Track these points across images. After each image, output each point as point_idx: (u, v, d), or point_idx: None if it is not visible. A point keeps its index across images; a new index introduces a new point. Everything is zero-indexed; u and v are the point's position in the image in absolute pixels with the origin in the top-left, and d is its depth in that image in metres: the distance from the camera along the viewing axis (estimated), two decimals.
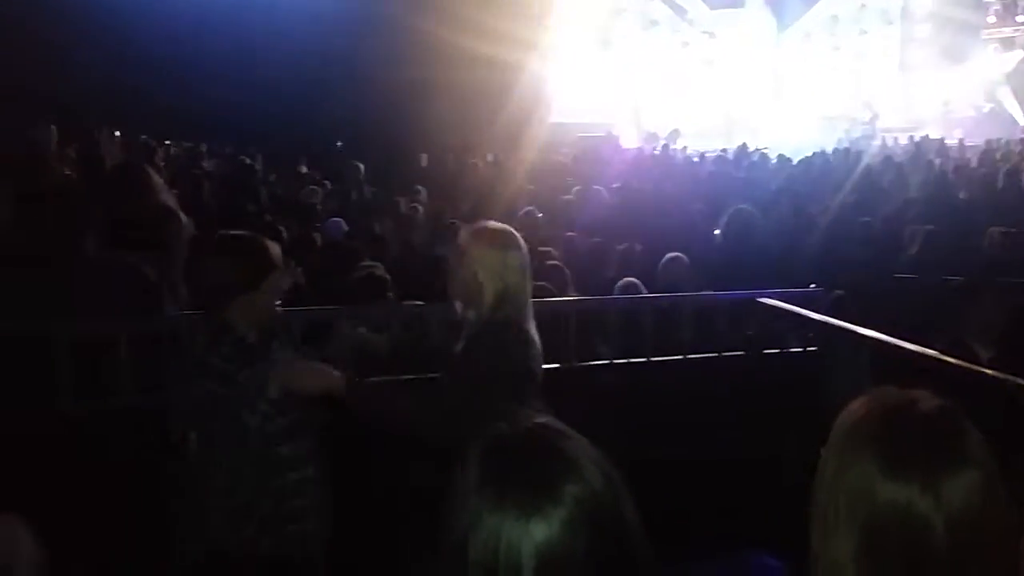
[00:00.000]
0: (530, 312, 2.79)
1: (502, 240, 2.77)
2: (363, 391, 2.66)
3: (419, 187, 10.00)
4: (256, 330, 2.76)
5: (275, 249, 2.79)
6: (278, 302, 2.80)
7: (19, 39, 15.43)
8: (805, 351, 4.49)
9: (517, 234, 2.83)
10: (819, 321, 4.30)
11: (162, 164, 11.56)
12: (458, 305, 2.83)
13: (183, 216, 4.24)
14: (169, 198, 4.29)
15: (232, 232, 2.85)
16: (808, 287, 4.99)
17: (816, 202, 9.31)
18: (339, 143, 14.30)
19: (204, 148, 12.94)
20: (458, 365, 2.75)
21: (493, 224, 2.85)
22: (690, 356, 4.51)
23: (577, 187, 10.10)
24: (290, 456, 2.74)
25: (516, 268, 2.75)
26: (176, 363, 2.81)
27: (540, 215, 8.29)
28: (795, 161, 13.68)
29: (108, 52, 15.58)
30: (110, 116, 13.45)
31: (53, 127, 12.83)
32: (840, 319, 4.22)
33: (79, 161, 10.85)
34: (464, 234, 2.85)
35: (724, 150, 15.85)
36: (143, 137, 12.52)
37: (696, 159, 14.61)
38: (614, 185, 10.57)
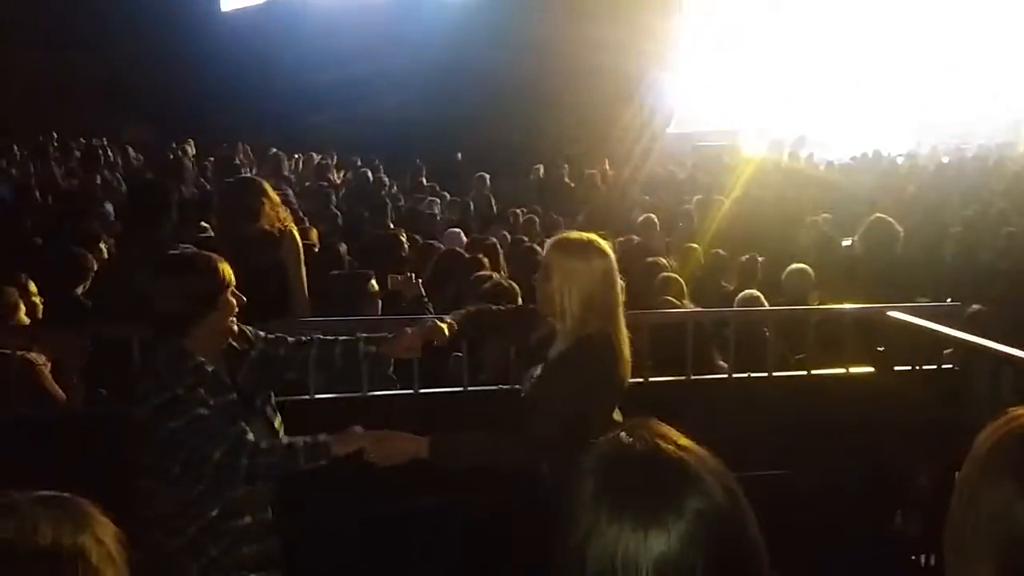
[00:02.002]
0: (621, 321, 2.73)
1: (583, 249, 2.71)
2: (447, 447, 2.55)
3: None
4: (213, 355, 2.58)
5: (224, 266, 2.58)
6: (232, 320, 2.61)
7: (160, 62, 16.41)
8: (940, 369, 4.27)
9: (602, 242, 2.76)
10: (955, 338, 4.08)
11: (292, 176, 12.06)
12: (547, 319, 2.77)
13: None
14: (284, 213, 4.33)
15: (177, 253, 2.72)
16: (944, 301, 4.75)
17: (952, 211, 8.89)
18: (459, 155, 14.55)
19: (332, 161, 13.40)
20: (546, 381, 2.68)
21: (575, 234, 2.80)
22: (814, 372, 4.37)
23: (697, 197, 9.96)
24: (245, 498, 2.53)
25: (600, 277, 2.68)
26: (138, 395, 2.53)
27: (658, 224, 8.23)
28: (931, 168, 13.10)
29: (241, 72, 16.39)
30: (242, 131, 14.14)
31: (191, 140, 13.61)
32: (979, 336, 4.00)
33: (215, 172, 11.44)
34: (547, 245, 2.81)
35: (853, 157, 15.32)
36: (273, 150, 13.07)
37: (823, 166, 14.17)
38: (735, 194, 10.38)
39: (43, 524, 0.95)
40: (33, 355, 3.92)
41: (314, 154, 13.60)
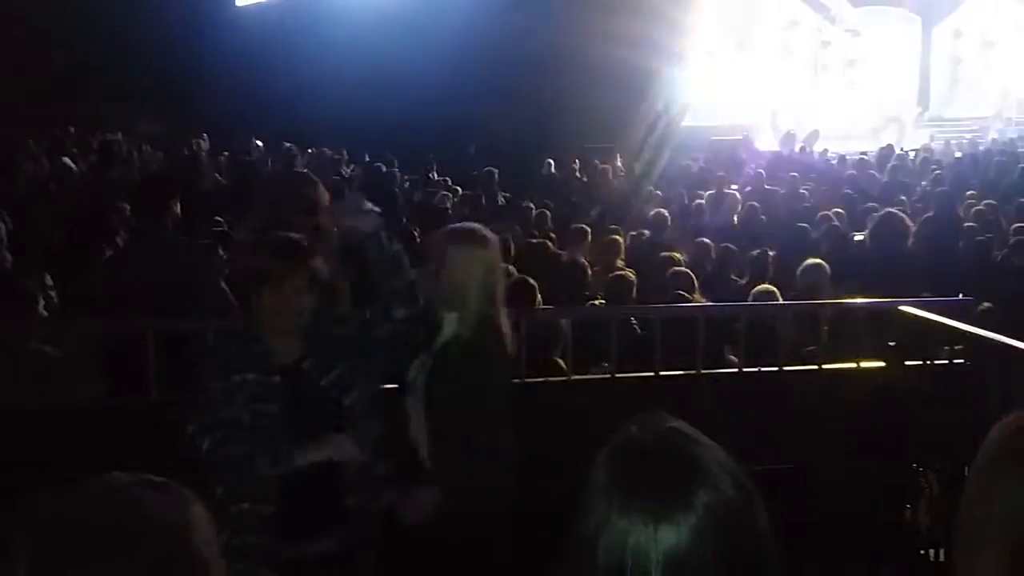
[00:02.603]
0: (503, 307, 2.83)
1: (469, 239, 2.80)
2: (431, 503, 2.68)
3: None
4: (284, 342, 2.60)
5: (314, 259, 2.62)
6: (302, 313, 2.58)
7: (175, 56, 16.48)
8: (951, 364, 4.26)
9: (486, 232, 2.84)
10: (968, 333, 4.07)
11: (304, 170, 12.08)
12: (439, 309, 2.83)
13: None
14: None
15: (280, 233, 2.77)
16: (956, 296, 4.73)
17: (966, 206, 8.83)
18: (472, 149, 14.55)
19: (344, 155, 13.42)
20: (469, 374, 2.73)
21: (464, 225, 2.91)
22: (826, 366, 4.36)
23: (710, 191, 9.94)
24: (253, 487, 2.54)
25: (490, 265, 2.80)
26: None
27: (669, 219, 8.21)
28: (943, 163, 13.01)
29: (254, 66, 16.43)
30: (256, 125, 14.18)
31: (205, 135, 13.67)
32: (992, 331, 3.99)
33: (229, 167, 11.48)
34: (436, 237, 2.89)
35: (865, 152, 15.24)
36: (287, 145, 13.10)
37: (835, 161, 14.10)
38: (747, 189, 10.35)
39: (151, 501, 1.00)
40: (49, 348, 3.95)
41: (327, 149, 13.62)
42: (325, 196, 3.85)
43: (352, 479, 2.59)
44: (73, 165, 10.92)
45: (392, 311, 2.65)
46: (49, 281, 4.58)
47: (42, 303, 4.14)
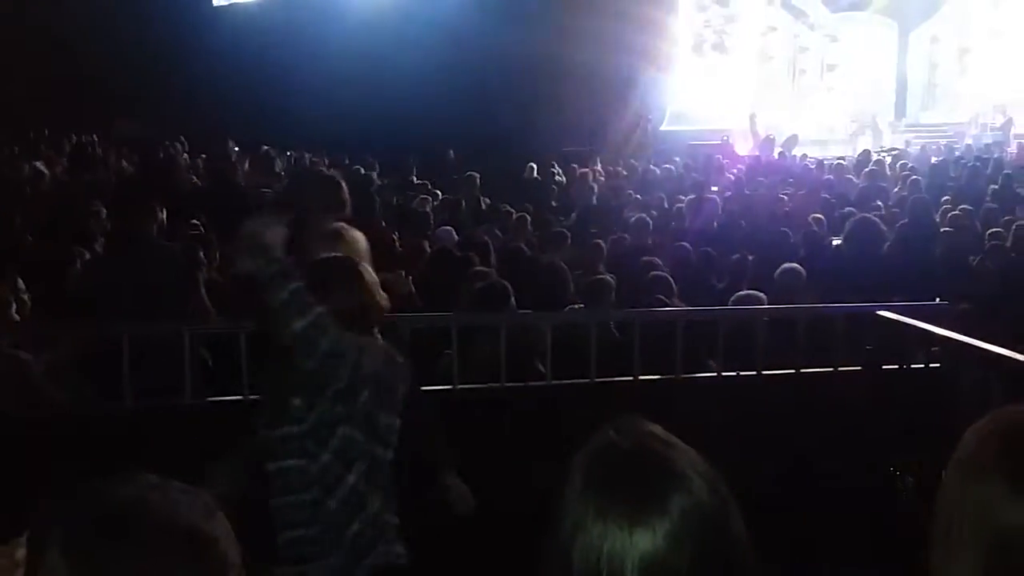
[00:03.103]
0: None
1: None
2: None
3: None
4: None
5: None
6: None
7: (151, 57, 16.36)
8: (928, 368, 4.29)
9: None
10: (944, 337, 4.10)
11: (282, 173, 12.02)
12: None
13: None
14: None
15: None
16: (932, 300, 4.77)
17: (942, 211, 8.92)
18: (451, 153, 14.54)
19: (325, 159, 13.37)
20: None
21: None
22: (804, 370, 4.38)
23: (690, 195, 9.98)
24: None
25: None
26: None
27: (650, 223, 8.23)
28: (919, 168, 13.13)
29: (232, 67, 16.35)
30: (233, 128, 14.10)
31: (183, 137, 13.57)
32: (967, 335, 4.02)
33: (207, 170, 11.40)
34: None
35: (843, 157, 15.35)
36: (264, 148, 13.03)
37: (813, 166, 14.20)
38: (727, 193, 10.41)
39: (184, 506, 1.02)
40: (23, 353, 3.90)
41: (305, 152, 13.57)
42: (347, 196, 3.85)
43: None
44: (45, 169, 10.81)
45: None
46: (22, 285, 4.51)
47: (14, 307, 4.08)
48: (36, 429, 3.58)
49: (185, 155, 12.66)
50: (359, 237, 2.94)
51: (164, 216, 4.39)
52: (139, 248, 4.31)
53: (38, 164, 10.77)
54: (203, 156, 12.60)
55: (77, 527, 0.98)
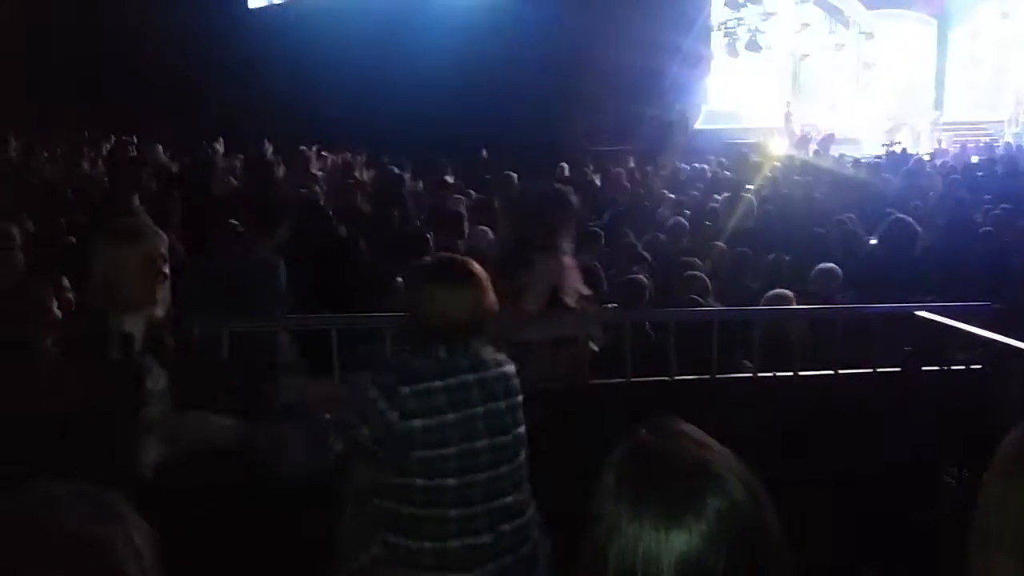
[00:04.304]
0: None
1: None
2: None
3: None
4: None
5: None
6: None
7: (188, 58, 16.56)
8: (968, 369, 4.23)
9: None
10: (984, 338, 4.04)
11: (319, 172, 12.13)
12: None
13: None
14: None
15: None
16: (973, 301, 4.70)
17: (981, 210, 8.77)
18: (484, 152, 14.56)
19: (360, 158, 13.45)
20: None
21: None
22: (841, 371, 4.34)
23: (725, 194, 9.90)
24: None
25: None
26: None
27: (687, 225, 8.19)
28: (957, 167, 12.93)
29: (268, 69, 16.50)
30: (268, 128, 14.23)
31: (221, 138, 13.73)
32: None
33: (244, 170, 11.52)
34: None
35: (879, 156, 15.15)
36: (301, 147, 13.14)
37: (850, 165, 14.04)
38: (763, 192, 10.31)
39: (74, 513, 0.98)
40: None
41: (341, 152, 13.66)
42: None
43: None
44: (88, 168, 11.01)
45: None
46: (67, 283, 4.60)
47: (56, 306, 4.16)
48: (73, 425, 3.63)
49: (221, 155, 12.81)
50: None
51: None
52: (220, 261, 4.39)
53: (83, 164, 10.97)
54: (240, 157, 12.74)
55: None
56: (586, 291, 4.01)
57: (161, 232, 2.80)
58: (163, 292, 2.75)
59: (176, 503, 2.30)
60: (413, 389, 2.38)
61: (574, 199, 4.14)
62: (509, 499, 2.49)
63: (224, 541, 2.54)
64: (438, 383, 2.41)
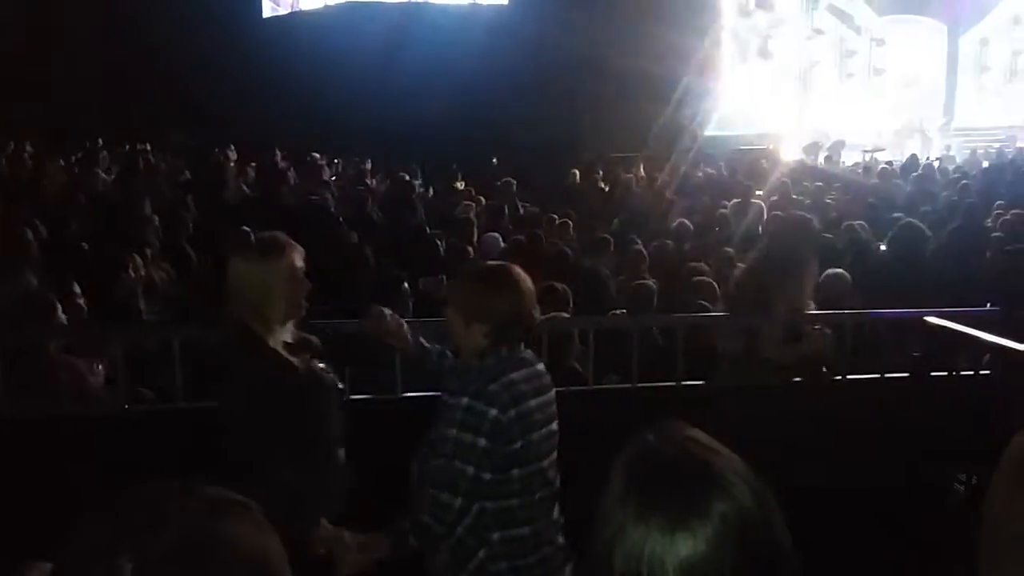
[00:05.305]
0: None
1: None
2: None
3: None
4: None
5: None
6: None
7: (202, 67, 16.65)
8: (977, 375, 4.21)
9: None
10: (993, 344, 4.03)
11: (333, 180, 12.18)
12: None
13: None
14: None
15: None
16: (983, 306, 4.69)
17: (992, 215, 8.74)
18: (494, 159, 14.59)
19: (369, 166, 13.50)
20: None
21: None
22: (850, 377, 4.33)
23: (735, 200, 9.90)
24: None
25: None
26: None
27: (692, 228, 8.19)
28: (969, 173, 12.88)
29: (280, 77, 16.58)
30: (281, 136, 14.31)
31: (233, 146, 13.81)
32: (1018, 342, 3.95)
33: (258, 177, 11.59)
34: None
35: (890, 162, 15.12)
36: (313, 154, 13.20)
37: (860, 171, 14.00)
38: (772, 198, 10.31)
39: (240, 527, 0.95)
40: (77, 359, 4.00)
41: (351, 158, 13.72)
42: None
43: None
44: (103, 175, 11.08)
45: None
46: (77, 289, 4.64)
47: (60, 310, 4.18)
48: (86, 429, 3.67)
49: (234, 163, 12.88)
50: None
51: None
52: None
53: (99, 171, 11.04)
54: (252, 164, 12.81)
55: (144, 556, 0.88)
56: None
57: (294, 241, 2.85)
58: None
59: None
60: (500, 383, 2.50)
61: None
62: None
63: None
64: (515, 375, 2.54)
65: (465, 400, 2.48)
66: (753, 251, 4.72)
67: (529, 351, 2.69)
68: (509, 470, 2.51)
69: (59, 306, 4.18)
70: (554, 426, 2.62)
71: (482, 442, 2.46)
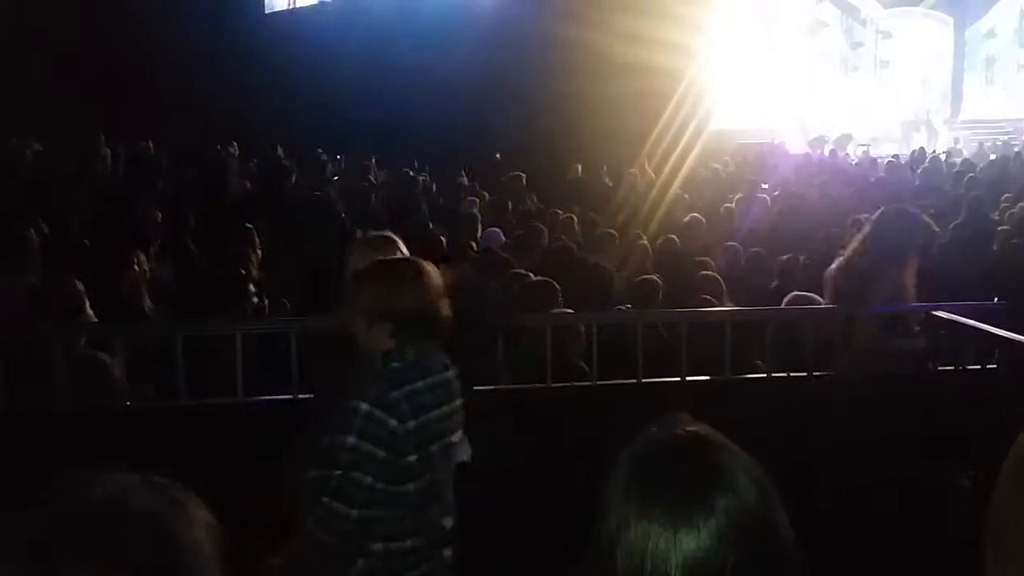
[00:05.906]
0: None
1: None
2: None
3: None
4: None
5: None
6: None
7: (204, 63, 16.66)
8: (984, 368, 4.19)
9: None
10: (1002, 337, 4.00)
11: (335, 178, 12.18)
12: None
13: None
14: None
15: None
16: (990, 300, 4.66)
17: (999, 209, 8.71)
18: (497, 155, 14.57)
19: (373, 161, 13.49)
20: None
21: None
22: (856, 371, 4.30)
23: (739, 195, 9.87)
24: None
25: None
26: None
27: (704, 222, 8.17)
28: (976, 166, 12.82)
29: (283, 73, 16.57)
30: (284, 132, 14.30)
31: (235, 142, 13.81)
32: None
33: (259, 175, 11.59)
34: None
35: (896, 156, 15.07)
36: (317, 150, 13.19)
37: (867, 164, 13.95)
38: (776, 192, 10.28)
39: (139, 495, 1.00)
40: (100, 354, 4.00)
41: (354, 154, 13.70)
42: None
43: None
44: (104, 172, 11.08)
45: None
46: (80, 287, 4.63)
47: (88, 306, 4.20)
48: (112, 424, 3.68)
49: (236, 159, 12.87)
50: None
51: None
52: None
53: (100, 167, 11.04)
54: (254, 161, 12.81)
55: (39, 537, 0.95)
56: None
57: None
58: None
59: None
60: (403, 391, 2.39)
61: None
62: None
63: None
64: (420, 383, 2.44)
65: (365, 406, 2.34)
66: (854, 242, 4.70)
67: (441, 356, 2.56)
68: (404, 483, 2.39)
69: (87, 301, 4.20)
70: (455, 437, 2.52)
71: (381, 453, 2.33)
